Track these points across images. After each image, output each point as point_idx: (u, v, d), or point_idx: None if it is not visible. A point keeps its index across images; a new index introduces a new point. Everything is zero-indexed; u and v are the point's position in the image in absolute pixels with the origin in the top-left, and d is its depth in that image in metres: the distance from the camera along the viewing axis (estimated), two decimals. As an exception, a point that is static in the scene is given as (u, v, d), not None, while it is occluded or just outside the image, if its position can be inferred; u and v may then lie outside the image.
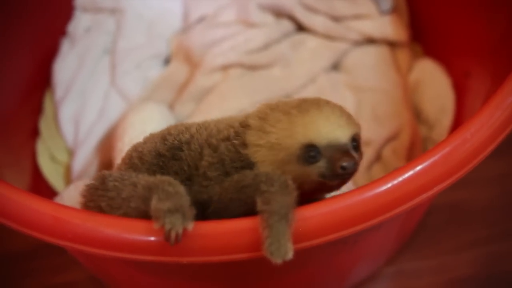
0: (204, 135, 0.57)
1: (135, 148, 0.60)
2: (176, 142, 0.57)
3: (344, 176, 0.52)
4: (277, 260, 0.48)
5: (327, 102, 0.54)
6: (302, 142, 0.52)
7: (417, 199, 0.52)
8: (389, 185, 0.52)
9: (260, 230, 0.49)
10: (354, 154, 0.52)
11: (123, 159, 0.62)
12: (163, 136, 0.59)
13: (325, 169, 0.51)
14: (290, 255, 0.48)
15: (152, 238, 0.51)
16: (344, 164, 0.50)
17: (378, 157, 0.85)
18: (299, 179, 0.52)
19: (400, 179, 0.52)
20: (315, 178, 0.52)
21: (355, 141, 0.53)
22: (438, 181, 0.53)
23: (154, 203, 0.50)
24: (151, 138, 0.60)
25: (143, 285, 0.72)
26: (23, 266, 0.88)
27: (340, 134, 0.52)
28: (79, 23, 1.03)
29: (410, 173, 0.52)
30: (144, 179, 0.53)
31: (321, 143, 0.51)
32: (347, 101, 0.90)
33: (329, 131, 0.51)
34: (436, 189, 0.53)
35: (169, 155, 0.57)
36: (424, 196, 0.52)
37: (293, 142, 0.52)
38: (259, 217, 0.50)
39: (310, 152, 0.51)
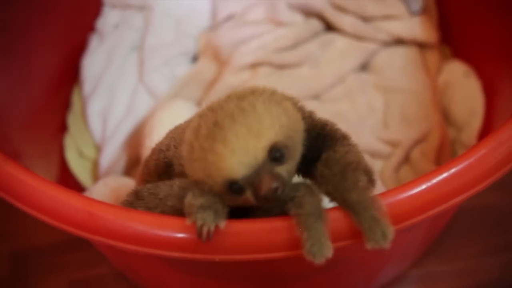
0: None
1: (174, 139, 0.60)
2: None
3: (276, 199, 0.48)
4: (321, 260, 0.48)
5: (236, 115, 0.49)
6: (221, 181, 0.49)
7: (451, 201, 0.52)
8: (423, 187, 0.52)
9: (298, 233, 0.49)
10: (276, 171, 0.49)
11: (158, 146, 0.62)
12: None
13: (254, 197, 0.49)
14: (331, 253, 0.49)
15: (185, 235, 0.52)
16: (261, 194, 0.48)
17: (406, 159, 0.84)
18: (243, 203, 0.51)
19: (434, 181, 0.52)
20: (254, 202, 0.50)
21: (278, 150, 0.49)
22: (473, 184, 0.53)
23: (187, 200, 0.51)
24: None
25: (170, 282, 0.72)
26: (49, 261, 0.89)
27: (251, 161, 0.48)
28: (108, 19, 1.04)
29: (445, 175, 0.52)
30: (180, 180, 0.54)
31: (239, 177, 0.49)
32: (376, 102, 0.89)
33: (239, 164, 0.48)
34: (471, 192, 0.52)
35: None
36: (460, 198, 0.52)
37: (214, 181, 0.50)
38: (295, 221, 0.50)
39: (233, 186, 0.49)
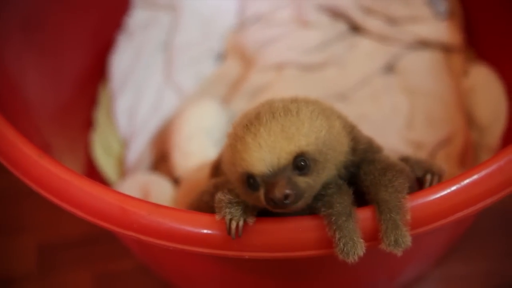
0: None
1: None
2: None
3: (284, 206, 0.48)
4: (354, 258, 0.49)
5: (277, 113, 0.50)
6: (241, 171, 0.50)
7: (479, 204, 0.53)
8: (453, 188, 0.52)
9: (330, 233, 0.50)
10: (295, 180, 0.48)
11: None
12: None
13: (264, 197, 0.49)
14: (363, 251, 0.49)
15: (216, 232, 0.52)
16: (271, 196, 0.47)
17: (431, 161, 0.85)
18: (254, 201, 0.51)
19: (463, 183, 0.52)
20: (264, 203, 0.49)
21: (304, 160, 0.49)
22: (501, 187, 0.53)
23: (218, 195, 0.52)
24: None
25: (196, 276, 0.73)
26: (74, 254, 0.90)
27: (274, 160, 0.48)
28: (137, 18, 1.05)
29: (475, 177, 0.52)
30: (215, 179, 0.55)
31: (257, 173, 0.49)
32: (400, 104, 0.90)
33: (261, 160, 0.48)
34: (499, 195, 0.53)
35: None
36: (489, 201, 0.52)
37: (235, 170, 0.50)
38: (325, 221, 0.51)
39: (249, 180, 0.49)
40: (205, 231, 0.53)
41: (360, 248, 0.49)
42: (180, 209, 0.55)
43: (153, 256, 0.74)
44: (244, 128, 0.50)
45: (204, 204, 0.55)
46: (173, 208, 0.55)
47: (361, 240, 0.50)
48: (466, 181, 0.52)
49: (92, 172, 0.93)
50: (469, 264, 0.85)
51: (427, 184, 0.54)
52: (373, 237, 0.51)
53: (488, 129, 0.88)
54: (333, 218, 0.50)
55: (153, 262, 0.78)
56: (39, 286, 0.88)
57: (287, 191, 0.47)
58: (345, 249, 0.49)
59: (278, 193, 0.47)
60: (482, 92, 0.91)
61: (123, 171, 0.92)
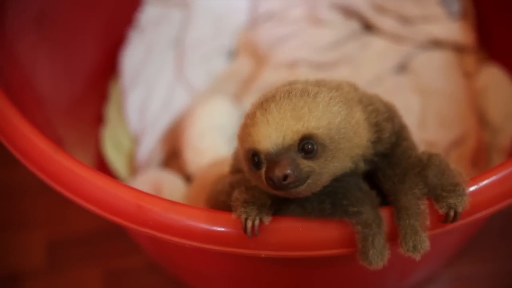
0: None
1: None
2: None
3: (283, 187, 0.46)
4: (378, 267, 0.49)
5: (293, 94, 0.48)
6: (247, 147, 0.48)
7: (498, 205, 0.52)
8: (472, 189, 0.52)
9: (359, 244, 0.50)
10: (299, 162, 0.46)
11: None
12: None
13: (264, 176, 0.47)
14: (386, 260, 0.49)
15: (232, 230, 0.52)
16: (270, 175, 0.46)
17: (443, 161, 0.85)
18: (257, 181, 0.50)
19: (482, 184, 0.52)
20: (264, 183, 0.48)
21: (311, 143, 0.47)
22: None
23: (234, 194, 0.52)
24: None
25: (208, 273, 0.73)
26: (84, 250, 0.90)
27: (279, 138, 0.46)
28: (148, 14, 1.05)
29: (493, 178, 0.52)
30: (231, 177, 0.55)
31: (262, 150, 0.47)
32: (413, 104, 0.90)
33: (267, 136, 0.47)
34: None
35: None
36: (505, 203, 0.52)
37: (242, 146, 0.49)
38: (355, 230, 0.50)
39: (254, 158, 0.48)
40: (221, 229, 0.53)
41: (385, 258, 0.49)
42: (196, 207, 0.55)
43: (165, 253, 0.74)
44: (258, 105, 0.49)
45: (221, 203, 0.55)
46: (189, 206, 0.55)
47: (387, 252, 0.49)
48: (485, 182, 0.52)
49: (102, 168, 0.93)
50: (478, 265, 0.85)
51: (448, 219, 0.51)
52: (388, 239, 0.51)
53: (500, 129, 0.88)
54: (365, 230, 0.49)
55: (165, 259, 0.78)
56: (49, 282, 0.88)
57: (288, 171, 0.45)
58: (371, 259, 0.49)
59: (278, 171, 0.45)
60: (494, 93, 0.91)
61: (134, 167, 0.92)
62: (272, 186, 0.46)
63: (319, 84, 0.51)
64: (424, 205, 0.50)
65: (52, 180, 0.57)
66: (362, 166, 0.52)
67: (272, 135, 0.46)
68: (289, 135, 0.46)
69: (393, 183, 0.51)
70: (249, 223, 0.50)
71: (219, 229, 0.53)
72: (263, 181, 0.47)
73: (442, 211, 0.49)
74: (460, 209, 0.49)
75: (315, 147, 0.47)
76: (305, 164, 0.47)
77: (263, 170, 0.47)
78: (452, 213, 0.49)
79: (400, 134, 0.53)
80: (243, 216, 0.50)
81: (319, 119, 0.47)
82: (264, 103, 0.48)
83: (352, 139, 0.49)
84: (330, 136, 0.47)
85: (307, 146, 0.46)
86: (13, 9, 0.77)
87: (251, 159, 0.48)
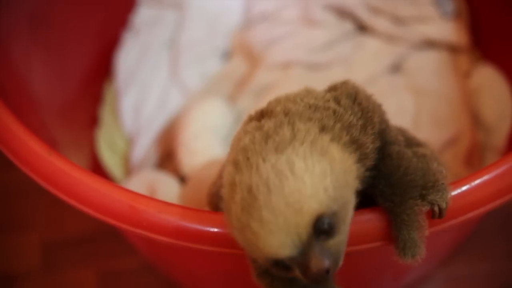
0: None
1: None
2: None
3: (325, 279, 0.43)
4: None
5: (271, 182, 0.42)
6: (264, 258, 0.43)
7: (489, 205, 0.52)
8: (464, 189, 0.52)
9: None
10: (327, 247, 0.42)
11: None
12: None
13: (303, 276, 0.43)
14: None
15: (225, 230, 0.52)
16: (310, 276, 0.42)
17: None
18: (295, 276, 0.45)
19: (474, 184, 0.52)
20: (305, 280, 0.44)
21: (325, 222, 0.42)
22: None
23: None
24: None
25: (203, 275, 0.73)
26: (79, 251, 0.90)
27: (295, 240, 0.42)
28: (143, 16, 1.05)
29: (486, 177, 0.52)
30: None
31: (281, 258, 0.42)
32: (407, 104, 0.90)
33: (281, 245, 0.42)
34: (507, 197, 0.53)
35: None
36: (498, 202, 0.52)
37: (258, 257, 0.44)
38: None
39: (278, 265, 0.43)
40: (214, 229, 0.52)
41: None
42: (189, 208, 0.55)
43: (159, 254, 0.74)
44: (244, 212, 0.42)
45: (215, 206, 0.55)
46: (183, 207, 0.55)
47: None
48: (477, 181, 0.52)
49: (97, 170, 0.93)
50: (473, 265, 0.85)
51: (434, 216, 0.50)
52: (381, 238, 0.51)
53: (494, 129, 0.88)
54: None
55: (159, 260, 0.78)
56: (43, 284, 0.88)
57: (326, 264, 0.42)
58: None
59: (316, 271, 0.42)
60: (488, 93, 0.91)
61: (128, 168, 0.92)
62: (316, 282, 0.43)
63: (279, 145, 0.44)
64: (424, 220, 0.49)
65: (46, 181, 0.56)
66: (358, 187, 0.48)
67: (286, 242, 0.42)
68: (302, 232, 0.42)
69: (393, 204, 0.49)
70: None
71: (212, 229, 0.53)
72: (299, 278, 0.44)
73: (425, 209, 0.49)
74: (443, 205, 0.49)
75: (330, 222, 0.42)
76: (333, 243, 0.43)
77: (296, 271, 0.43)
78: (436, 209, 0.49)
79: (384, 137, 0.50)
80: None
81: (314, 195, 0.42)
82: (252, 211, 0.42)
83: (348, 181, 0.45)
84: (333, 199, 0.43)
85: (323, 227, 0.42)
86: (6, 12, 0.77)
87: (275, 264, 0.44)
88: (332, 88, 0.53)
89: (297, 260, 0.42)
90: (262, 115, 0.49)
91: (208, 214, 0.53)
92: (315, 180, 0.42)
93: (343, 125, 0.47)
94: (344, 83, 0.52)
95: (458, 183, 0.53)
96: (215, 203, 0.56)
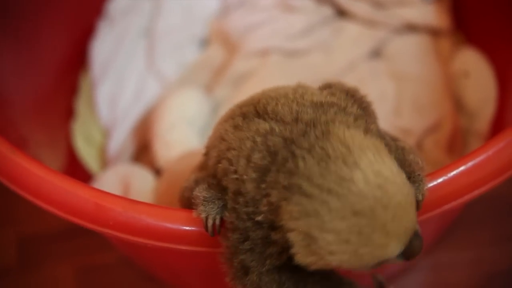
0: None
1: None
2: None
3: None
4: None
5: (379, 197, 0.41)
6: (373, 262, 0.43)
7: (468, 196, 0.51)
8: (440, 180, 0.51)
9: None
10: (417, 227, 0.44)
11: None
12: None
13: (406, 259, 0.44)
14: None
15: (194, 228, 0.51)
16: (413, 255, 0.43)
17: (419, 148, 0.83)
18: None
19: (451, 174, 0.51)
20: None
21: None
22: (489, 178, 0.52)
23: (194, 192, 0.50)
24: None
25: (179, 270, 0.72)
26: (55, 247, 0.88)
27: (408, 235, 0.43)
28: (118, 4, 1.03)
29: (462, 168, 0.51)
30: (197, 174, 0.53)
31: (394, 255, 0.43)
32: (388, 90, 0.88)
33: (399, 245, 0.42)
34: (488, 186, 0.52)
35: None
36: (477, 192, 0.51)
37: (362, 265, 0.43)
38: None
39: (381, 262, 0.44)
40: (182, 227, 0.51)
41: None
42: (156, 205, 0.53)
43: (134, 250, 0.73)
44: (360, 235, 0.41)
45: (186, 200, 0.54)
46: (150, 204, 0.53)
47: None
48: (453, 172, 0.51)
49: (74, 163, 0.91)
50: (457, 252, 0.84)
51: None
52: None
53: (477, 114, 0.87)
54: None
55: (135, 256, 0.77)
56: (20, 281, 0.86)
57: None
58: None
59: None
60: (471, 76, 0.90)
61: (105, 161, 0.90)
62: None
63: (346, 158, 0.42)
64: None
65: (8, 180, 0.55)
66: None
67: (404, 240, 0.42)
68: (414, 225, 0.43)
69: None
70: (210, 222, 0.49)
71: (180, 227, 0.51)
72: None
73: None
74: (419, 197, 0.48)
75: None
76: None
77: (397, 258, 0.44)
78: None
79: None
80: (203, 215, 0.49)
81: (409, 190, 0.43)
82: (370, 226, 0.41)
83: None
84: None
85: None
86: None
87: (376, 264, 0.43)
88: (327, 86, 0.52)
89: (402, 251, 0.43)
90: (257, 115, 0.48)
91: (176, 212, 0.52)
92: (401, 177, 0.43)
93: (355, 117, 0.47)
94: (335, 83, 0.52)
95: (434, 174, 0.51)
96: (186, 200, 0.54)
